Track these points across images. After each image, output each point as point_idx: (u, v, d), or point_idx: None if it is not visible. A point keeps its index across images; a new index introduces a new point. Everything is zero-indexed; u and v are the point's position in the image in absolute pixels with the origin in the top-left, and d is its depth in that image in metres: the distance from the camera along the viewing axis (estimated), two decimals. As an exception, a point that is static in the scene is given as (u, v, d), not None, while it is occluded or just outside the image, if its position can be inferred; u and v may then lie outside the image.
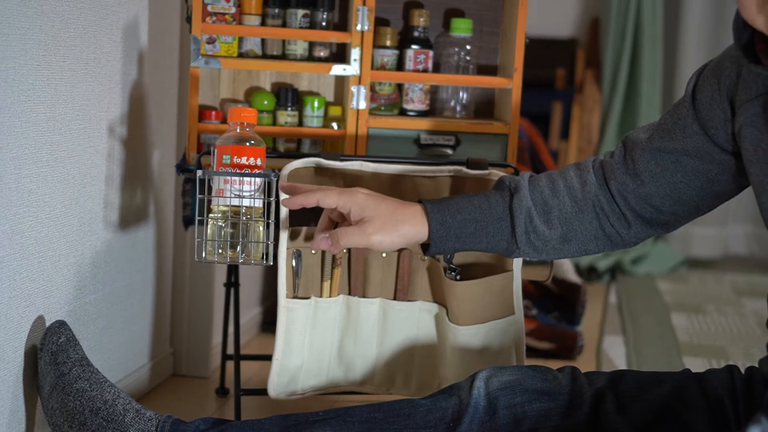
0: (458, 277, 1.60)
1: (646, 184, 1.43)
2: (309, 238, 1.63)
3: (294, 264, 1.61)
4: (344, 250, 1.64)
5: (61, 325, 1.52)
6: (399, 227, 1.45)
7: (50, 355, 1.49)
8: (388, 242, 1.44)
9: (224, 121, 1.77)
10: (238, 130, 1.57)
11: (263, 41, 1.80)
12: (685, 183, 1.42)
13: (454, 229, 1.46)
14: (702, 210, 1.45)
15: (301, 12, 1.77)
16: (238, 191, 1.53)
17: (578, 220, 1.47)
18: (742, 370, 1.39)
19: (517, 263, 1.61)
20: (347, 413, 1.40)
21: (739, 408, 1.35)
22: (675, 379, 1.40)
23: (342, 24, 1.81)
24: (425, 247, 1.49)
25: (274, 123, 1.81)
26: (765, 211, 1.33)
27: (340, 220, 1.50)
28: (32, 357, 1.53)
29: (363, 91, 1.73)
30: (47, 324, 1.55)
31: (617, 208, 1.46)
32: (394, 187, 1.62)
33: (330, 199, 1.45)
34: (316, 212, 1.61)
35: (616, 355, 2.49)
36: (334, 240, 1.44)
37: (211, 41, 1.75)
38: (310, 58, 1.81)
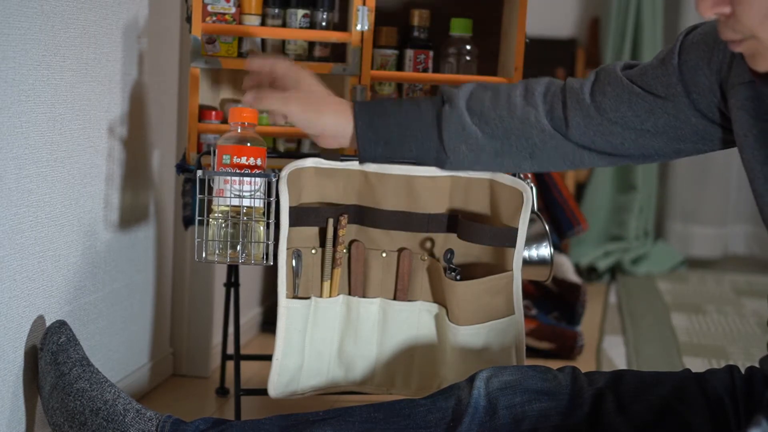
0: (458, 277, 1.60)
1: (613, 123, 1.44)
2: (310, 237, 1.63)
3: (294, 264, 1.61)
4: (344, 250, 1.64)
5: (61, 325, 1.52)
6: (322, 111, 1.48)
7: (51, 355, 1.49)
8: (304, 120, 1.49)
9: (224, 121, 1.77)
10: (238, 130, 1.57)
11: (263, 41, 1.80)
12: (651, 133, 1.43)
13: (382, 131, 1.46)
14: (652, 158, 1.47)
15: (301, 12, 1.77)
16: (239, 191, 1.53)
17: (515, 136, 1.47)
18: (742, 370, 1.39)
19: (517, 263, 1.60)
20: (347, 413, 1.40)
21: (740, 408, 1.35)
22: (675, 379, 1.40)
23: (342, 24, 1.81)
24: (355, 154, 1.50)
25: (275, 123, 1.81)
26: (758, 196, 1.33)
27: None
28: (32, 357, 1.53)
29: (363, 91, 1.73)
30: (47, 324, 1.55)
31: (565, 136, 1.47)
32: (395, 187, 1.62)
33: (279, 62, 1.51)
34: (316, 212, 1.62)
35: (616, 355, 2.49)
36: (257, 98, 1.48)
37: (211, 41, 1.75)
38: (310, 57, 1.81)
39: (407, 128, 1.45)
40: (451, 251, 1.62)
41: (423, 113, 1.47)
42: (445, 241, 1.65)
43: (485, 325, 1.61)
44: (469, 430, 1.36)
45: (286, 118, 1.51)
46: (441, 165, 1.50)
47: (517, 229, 1.57)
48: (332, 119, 1.48)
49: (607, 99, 1.44)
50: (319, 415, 1.41)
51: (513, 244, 1.58)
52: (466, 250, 1.64)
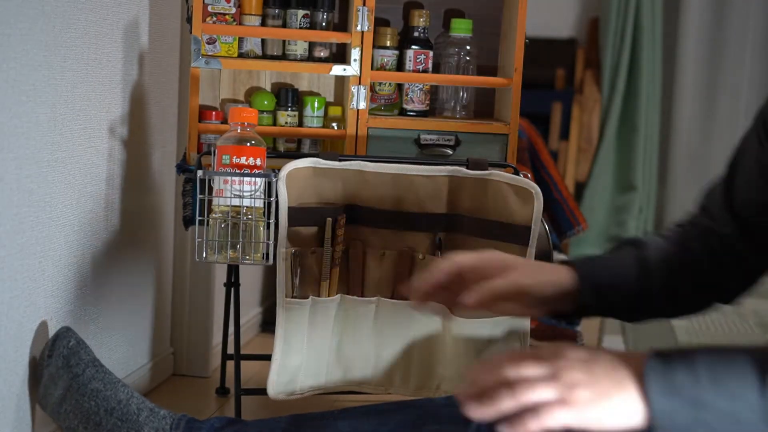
0: None
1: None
2: (309, 237, 1.63)
3: (293, 264, 1.62)
4: (342, 250, 1.65)
5: (67, 330, 1.53)
6: (549, 276, 1.27)
7: (62, 359, 1.49)
8: (539, 293, 1.26)
9: (224, 121, 1.78)
10: (238, 131, 1.57)
11: (263, 41, 1.81)
12: None
13: (603, 287, 1.30)
14: None
15: (301, 12, 1.77)
16: (238, 191, 1.54)
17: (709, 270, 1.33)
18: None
19: None
20: (362, 407, 1.41)
21: None
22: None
23: (342, 24, 1.81)
24: (570, 314, 1.31)
25: (274, 123, 1.81)
26: None
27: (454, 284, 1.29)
28: (35, 357, 1.53)
29: (363, 91, 1.73)
30: (49, 325, 1.56)
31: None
32: (393, 187, 1.62)
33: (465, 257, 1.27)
34: (314, 212, 1.62)
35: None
36: (488, 295, 1.22)
37: (211, 41, 1.75)
38: (310, 58, 1.81)
39: (621, 292, 1.31)
40: (439, 239, 1.62)
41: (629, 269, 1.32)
42: (444, 239, 1.65)
43: (491, 320, 1.61)
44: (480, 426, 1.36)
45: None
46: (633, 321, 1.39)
47: (530, 227, 1.58)
48: (555, 273, 1.29)
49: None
50: (333, 413, 1.42)
51: (525, 242, 1.59)
52: (468, 248, 1.64)
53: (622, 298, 1.33)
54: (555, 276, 1.28)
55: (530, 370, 0.93)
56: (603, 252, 1.38)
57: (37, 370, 1.53)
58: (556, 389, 0.91)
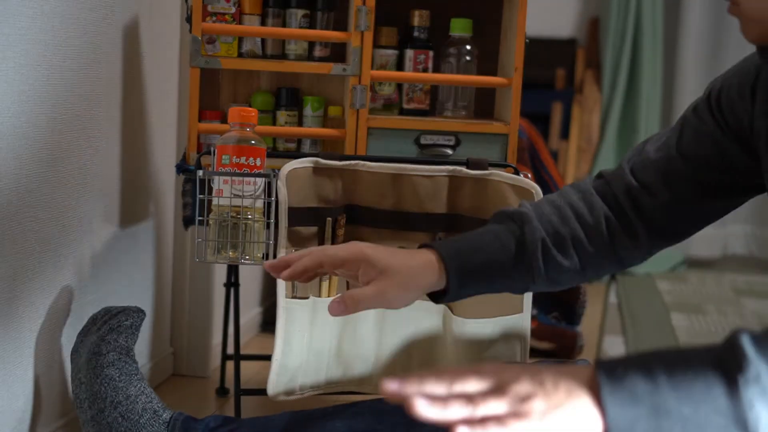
0: None
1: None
2: (309, 237, 1.63)
3: (294, 264, 1.61)
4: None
5: (137, 311, 1.55)
6: (417, 281, 1.31)
7: (107, 329, 1.51)
8: (405, 300, 1.31)
9: (224, 121, 1.77)
10: (238, 130, 1.57)
11: (263, 41, 1.80)
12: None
13: (474, 274, 1.35)
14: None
15: (301, 12, 1.77)
16: (238, 191, 1.54)
17: (592, 246, 1.40)
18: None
19: None
20: (355, 405, 1.41)
21: None
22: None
23: (342, 24, 1.81)
24: (436, 295, 1.37)
25: (274, 123, 1.81)
26: None
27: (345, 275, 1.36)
28: (34, 357, 1.53)
29: (363, 91, 1.73)
30: (48, 325, 1.56)
31: (630, 226, 1.41)
32: (393, 187, 1.62)
33: (334, 259, 1.31)
34: (314, 212, 1.61)
35: (616, 354, 2.49)
36: (351, 305, 1.27)
37: (211, 41, 1.75)
38: (310, 58, 1.81)
39: (497, 265, 1.36)
40: (439, 239, 1.62)
41: (506, 245, 1.37)
42: (444, 239, 1.65)
43: (492, 320, 1.61)
44: None
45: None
46: (521, 292, 1.44)
47: None
48: (428, 281, 1.33)
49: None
50: (327, 410, 1.41)
51: None
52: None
53: (493, 280, 1.36)
54: (421, 280, 1.31)
55: (476, 384, 0.88)
56: (480, 230, 1.40)
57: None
58: (507, 403, 0.86)
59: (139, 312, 1.56)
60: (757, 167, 1.35)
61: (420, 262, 1.32)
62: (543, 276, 1.38)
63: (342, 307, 1.27)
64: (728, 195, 1.41)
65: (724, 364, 0.91)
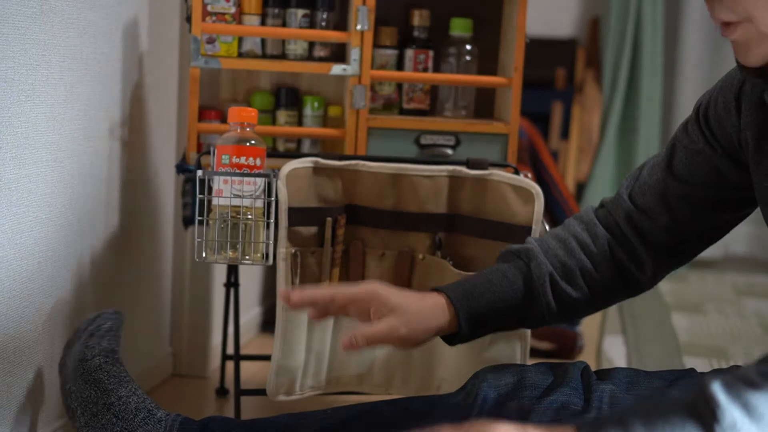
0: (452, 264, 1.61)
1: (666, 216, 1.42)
2: (309, 237, 1.63)
3: (293, 264, 1.61)
4: (342, 250, 1.64)
5: (115, 312, 1.54)
6: (428, 322, 1.37)
7: (88, 335, 1.50)
8: (416, 340, 1.36)
9: (224, 121, 1.77)
10: (238, 130, 1.57)
11: (263, 41, 1.80)
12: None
13: (484, 315, 1.39)
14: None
15: (301, 12, 1.76)
16: (238, 191, 1.53)
17: (599, 275, 1.43)
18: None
19: None
20: (355, 409, 1.40)
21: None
22: (678, 379, 1.39)
23: (342, 24, 1.81)
24: (448, 337, 1.42)
25: (274, 123, 1.81)
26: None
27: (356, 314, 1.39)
28: (34, 357, 1.53)
29: (363, 91, 1.73)
30: (47, 325, 1.55)
31: (634, 252, 1.43)
32: (393, 187, 1.62)
33: (345, 295, 1.35)
34: (314, 212, 1.61)
35: (616, 355, 2.49)
36: (362, 341, 1.32)
37: (210, 41, 1.75)
38: (310, 58, 1.81)
39: (505, 305, 1.41)
40: (439, 239, 1.62)
41: (514, 284, 1.41)
42: (444, 239, 1.65)
43: None
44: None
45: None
46: (533, 327, 1.49)
47: (530, 227, 1.58)
48: (438, 324, 1.38)
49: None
50: (327, 413, 1.41)
51: None
52: (468, 248, 1.64)
53: (505, 319, 1.42)
54: (431, 321, 1.36)
55: None
56: (487, 270, 1.44)
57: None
58: None
59: (117, 314, 1.55)
60: (750, 180, 1.35)
61: (430, 304, 1.37)
62: (554, 310, 1.42)
63: (353, 343, 1.31)
64: (727, 210, 1.42)
65: (700, 414, 0.94)
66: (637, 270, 1.45)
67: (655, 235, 1.43)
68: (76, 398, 1.47)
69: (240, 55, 1.79)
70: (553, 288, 1.42)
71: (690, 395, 0.97)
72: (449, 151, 1.77)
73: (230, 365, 1.95)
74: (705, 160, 1.39)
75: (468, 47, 1.80)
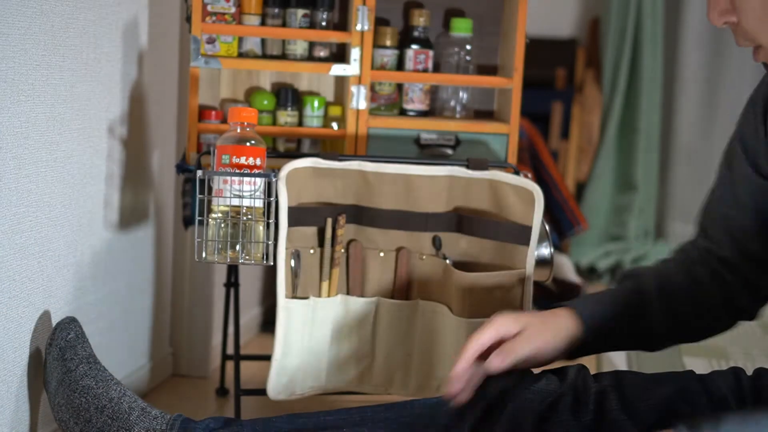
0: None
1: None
2: (309, 237, 1.62)
3: (293, 264, 1.61)
4: (342, 250, 1.64)
5: (71, 321, 1.53)
6: (558, 329, 1.41)
7: (58, 351, 1.49)
8: (553, 354, 1.40)
9: (224, 121, 1.77)
10: (238, 130, 1.57)
11: (263, 41, 1.80)
12: None
13: (607, 321, 1.43)
14: None
15: (301, 12, 1.76)
16: (238, 191, 1.53)
17: (706, 308, 1.47)
18: (747, 371, 1.39)
19: (530, 261, 1.60)
20: (355, 412, 1.40)
21: (747, 407, 1.34)
22: (678, 380, 1.40)
23: (342, 24, 1.81)
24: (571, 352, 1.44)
25: (274, 123, 1.81)
26: None
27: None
28: (34, 357, 1.52)
29: (363, 91, 1.73)
30: (47, 326, 1.55)
31: (731, 287, 1.45)
32: (393, 187, 1.62)
33: (484, 336, 1.39)
34: (314, 212, 1.61)
35: (616, 356, 2.49)
36: (507, 356, 1.36)
37: (210, 41, 1.75)
38: (310, 58, 1.81)
39: (623, 318, 1.45)
40: (439, 239, 1.62)
41: (632, 305, 1.45)
42: (444, 239, 1.65)
43: None
44: (475, 423, 1.36)
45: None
46: (651, 350, 1.52)
47: (530, 227, 1.58)
48: (567, 328, 1.42)
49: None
50: (330, 414, 1.41)
51: (526, 242, 1.58)
52: (468, 248, 1.64)
53: (627, 336, 1.45)
54: (559, 339, 1.40)
55: None
56: (605, 290, 1.49)
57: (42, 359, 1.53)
58: None
59: (73, 321, 1.54)
60: None
61: (554, 316, 1.42)
62: (665, 333, 1.46)
63: (500, 360, 1.35)
64: None
65: None
66: (745, 301, 1.47)
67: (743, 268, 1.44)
68: (66, 410, 1.47)
69: (240, 55, 1.79)
70: (669, 303, 1.44)
71: None
72: (449, 151, 1.77)
73: (230, 365, 1.95)
74: (758, 188, 1.38)
75: (468, 47, 1.80)
